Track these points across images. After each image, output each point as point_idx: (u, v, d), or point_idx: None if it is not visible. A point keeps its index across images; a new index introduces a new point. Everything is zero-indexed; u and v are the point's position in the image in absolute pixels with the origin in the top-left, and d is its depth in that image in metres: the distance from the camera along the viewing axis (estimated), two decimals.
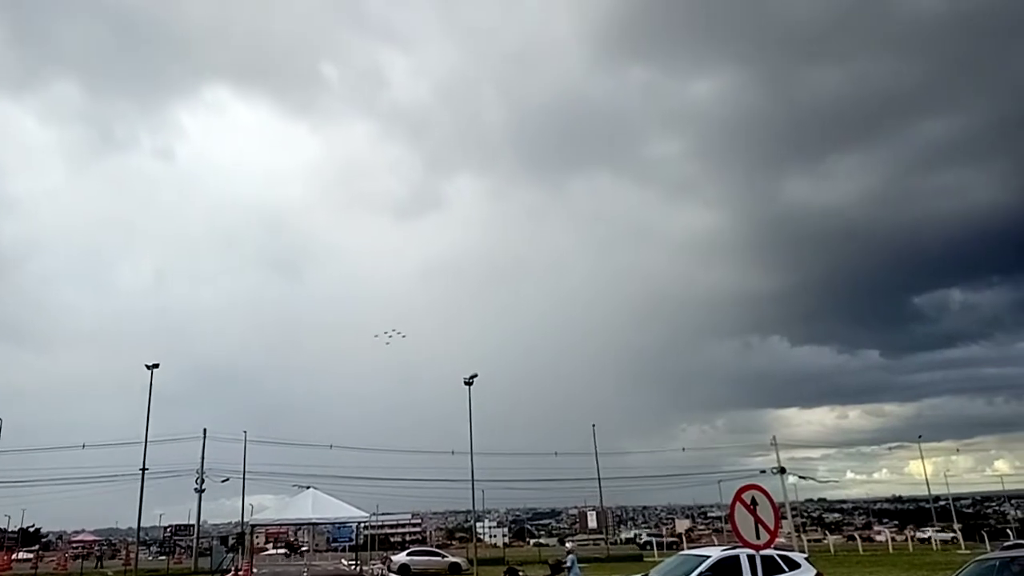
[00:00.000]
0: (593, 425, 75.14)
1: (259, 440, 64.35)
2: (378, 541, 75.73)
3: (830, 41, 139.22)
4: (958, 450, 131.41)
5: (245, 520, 61.12)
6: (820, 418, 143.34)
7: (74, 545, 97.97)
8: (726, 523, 62.77)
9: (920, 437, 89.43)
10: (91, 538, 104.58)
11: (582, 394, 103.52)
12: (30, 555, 70.60)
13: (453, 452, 54.63)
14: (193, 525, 70.27)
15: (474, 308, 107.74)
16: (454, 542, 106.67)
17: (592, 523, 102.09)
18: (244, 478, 64.01)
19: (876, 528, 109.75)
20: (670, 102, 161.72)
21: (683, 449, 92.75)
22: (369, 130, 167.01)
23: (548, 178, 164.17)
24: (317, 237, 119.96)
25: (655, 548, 68.68)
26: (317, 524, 59.39)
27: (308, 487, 49.51)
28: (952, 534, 73.24)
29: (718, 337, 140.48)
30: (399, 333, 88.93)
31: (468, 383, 57.95)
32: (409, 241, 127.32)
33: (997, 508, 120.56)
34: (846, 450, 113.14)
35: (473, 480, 56.73)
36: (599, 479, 71.84)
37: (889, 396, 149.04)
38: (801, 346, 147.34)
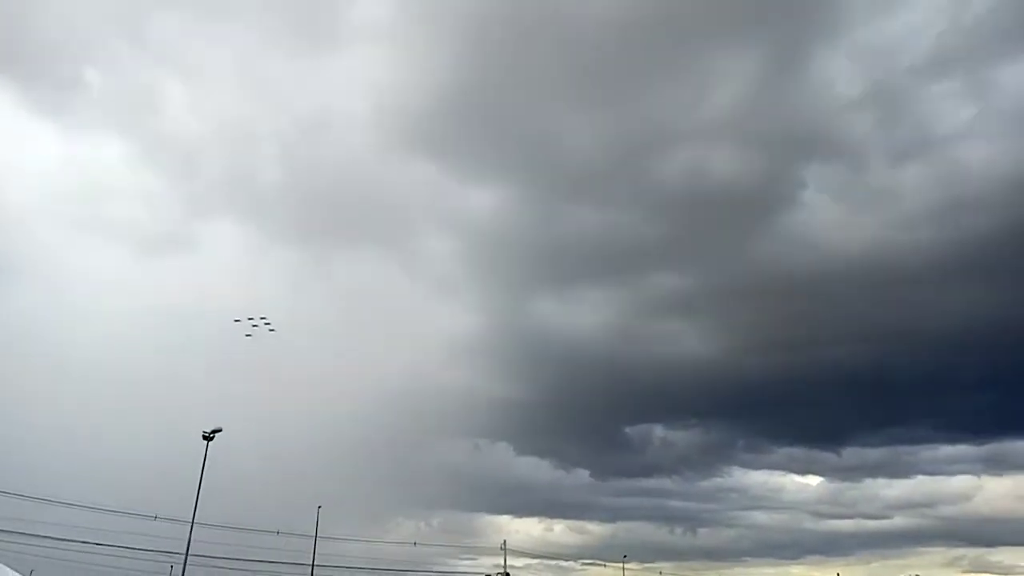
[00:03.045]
0: (319, 507, 71.38)
1: None
2: None
3: (594, 187, 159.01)
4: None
5: None
6: (528, 528, 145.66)
7: None
8: None
9: (625, 557, 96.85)
10: None
11: (311, 475, 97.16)
12: None
13: (156, 517, 46.30)
14: None
15: (214, 364, 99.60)
16: None
17: None
18: None
19: None
20: (448, 202, 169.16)
21: (414, 543, 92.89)
22: (128, 151, 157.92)
23: (314, 246, 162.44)
24: (33, 252, 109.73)
25: None
26: None
27: None
28: None
29: (451, 436, 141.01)
30: (267, 323, 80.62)
31: (208, 438, 50.85)
32: (149, 279, 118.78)
33: None
34: (547, 562, 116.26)
35: (188, 553, 49.25)
36: (312, 565, 65.93)
37: (592, 515, 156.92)
38: (525, 456, 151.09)
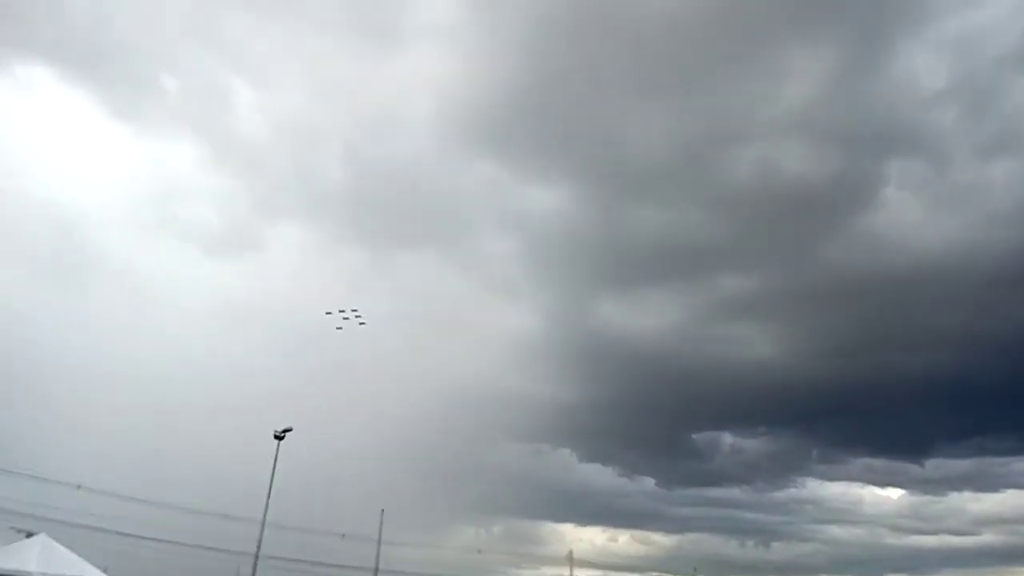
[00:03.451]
0: (383, 510, 70.94)
1: None
2: None
3: (659, 186, 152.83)
4: None
5: None
6: (591, 537, 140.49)
7: None
8: None
9: (695, 570, 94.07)
10: None
11: (374, 477, 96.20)
12: None
13: (227, 516, 45.95)
14: None
15: (278, 364, 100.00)
16: None
17: None
18: None
19: None
20: (510, 203, 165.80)
21: (479, 551, 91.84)
22: (199, 153, 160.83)
23: (377, 246, 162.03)
24: (112, 253, 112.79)
25: None
26: None
27: (34, 533, 40.94)
28: None
29: (512, 440, 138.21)
30: (357, 316, 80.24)
31: (279, 437, 50.43)
32: (218, 279, 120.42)
33: None
34: (612, 573, 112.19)
35: (258, 554, 48.83)
36: (376, 571, 64.87)
37: (656, 525, 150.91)
38: (588, 463, 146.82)
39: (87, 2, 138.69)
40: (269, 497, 46.22)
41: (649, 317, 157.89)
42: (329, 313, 79.57)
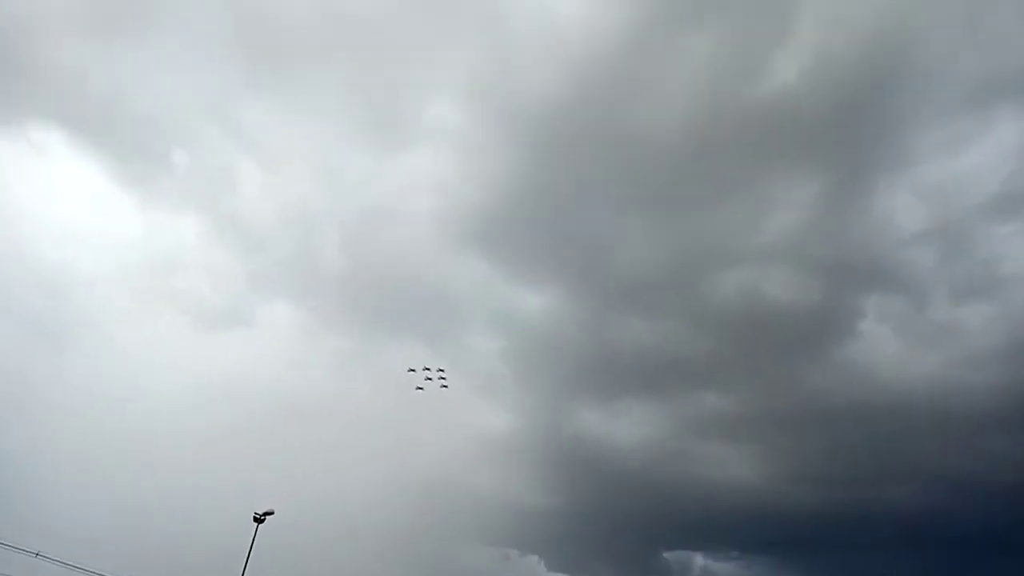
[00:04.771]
0: None
1: None
2: None
3: (646, 299, 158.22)
4: None
5: None
6: None
7: None
8: None
9: None
10: None
11: (339, 565, 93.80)
12: None
13: None
14: None
15: (257, 441, 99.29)
16: None
17: None
18: None
19: None
20: (499, 302, 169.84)
21: None
22: (202, 228, 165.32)
23: (365, 333, 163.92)
24: (103, 318, 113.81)
25: None
26: None
27: None
28: None
29: (482, 542, 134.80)
30: (442, 378, 79.24)
31: (259, 519, 50.35)
32: (205, 352, 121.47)
33: None
34: None
35: None
36: None
37: None
38: (556, 572, 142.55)
39: (113, 77, 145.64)
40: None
41: (628, 428, 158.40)
42: (412, 370, 78.21)
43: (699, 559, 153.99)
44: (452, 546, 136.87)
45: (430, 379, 79.40)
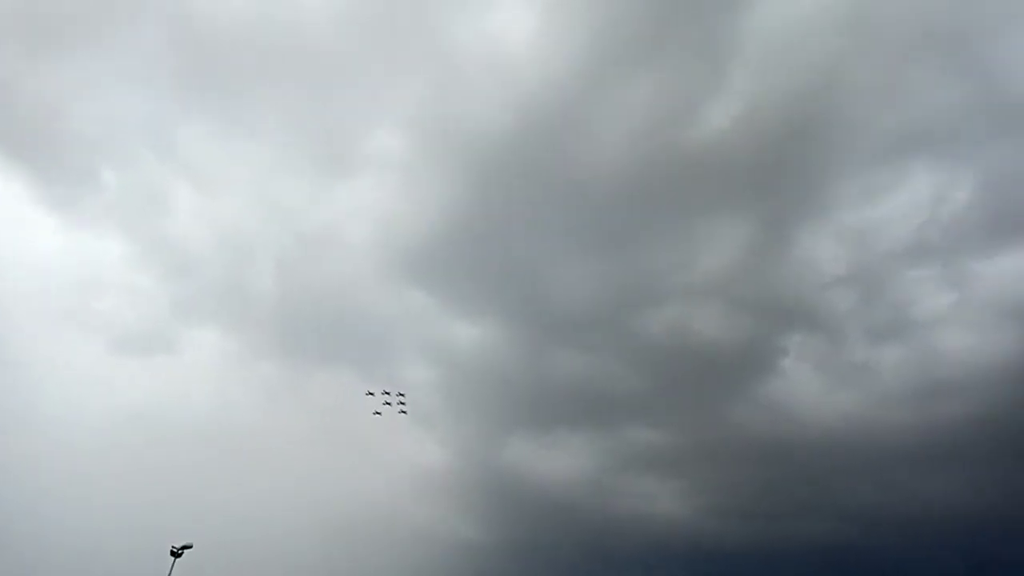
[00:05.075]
0: None
1: None
2: None
3: (580, 334, 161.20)
4: None
5: None
6: None
7: None
8: None
9: None
10: None
11: None
12: None
13: None
14: None
15: (178, 475, 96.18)
16: None
17: None
18: None
19: None
20: (435, 334, 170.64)
21: None
22: (128, 250, 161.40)
23: (296, 362, 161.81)
24: (16, 341, 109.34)
25: None
26: None
27: None
28: None
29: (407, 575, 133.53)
30: (401, 403, 76.46)
31: (176, 554, 48.64)
32: (123, 379, 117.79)
33: None
34: None
35: None
36: None
37: None
38: None
39: (43, 92, 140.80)
40: None
41: (560, 461, 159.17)
42: (371, 394, 75.67)
43: None
44: None
45: (389, 404, 77.52)
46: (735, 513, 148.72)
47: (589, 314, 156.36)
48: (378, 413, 77.26)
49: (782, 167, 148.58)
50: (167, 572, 46.21)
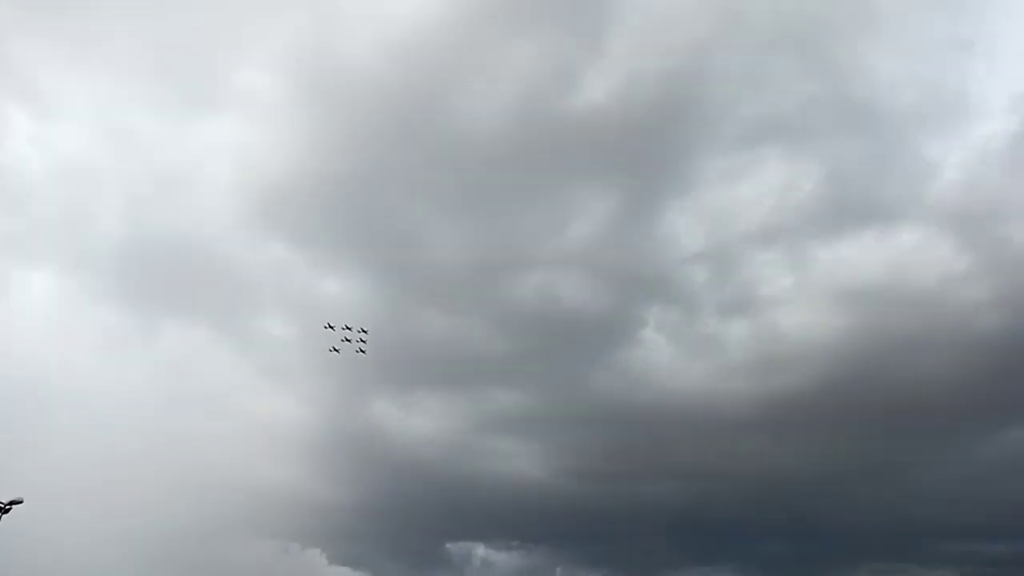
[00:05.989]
0: None
1: None
2: None
3: (447, 294, 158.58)
4: None
5: None
6: None
7: None
8: None
9: None
10: None
11: (98, 565, 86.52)
12: None
13: None
14: None
15: (5, 429, 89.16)
16: None
17: None
18: None
19: None
20: (296, 287, 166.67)
21: None
22: None
23: (144, 310, 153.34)
24: None
25: None
26: None
27: None
28: None
29: (260, 536, 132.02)
30: (362, 340, 69.85)
31: (4, 510, 43.67)
32: None
33: None
34: None
35: None
36: None
37: None
38: (337, 565, 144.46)
39: None
40: None
41: (421, 421, 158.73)
42: (330, 327, 68.04)
43: (480, 550, 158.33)
44: (224, 543, 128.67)
45: (348, 340, 71.46)
46: (588, 474, 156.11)
47: (458, 275, 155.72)
48: (335, 350, 71.23)
49: (651, 144, 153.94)
50: None
